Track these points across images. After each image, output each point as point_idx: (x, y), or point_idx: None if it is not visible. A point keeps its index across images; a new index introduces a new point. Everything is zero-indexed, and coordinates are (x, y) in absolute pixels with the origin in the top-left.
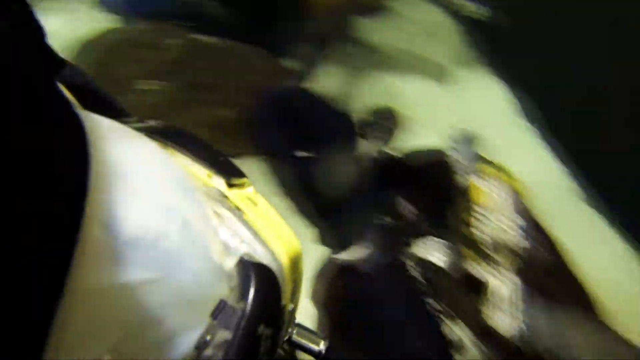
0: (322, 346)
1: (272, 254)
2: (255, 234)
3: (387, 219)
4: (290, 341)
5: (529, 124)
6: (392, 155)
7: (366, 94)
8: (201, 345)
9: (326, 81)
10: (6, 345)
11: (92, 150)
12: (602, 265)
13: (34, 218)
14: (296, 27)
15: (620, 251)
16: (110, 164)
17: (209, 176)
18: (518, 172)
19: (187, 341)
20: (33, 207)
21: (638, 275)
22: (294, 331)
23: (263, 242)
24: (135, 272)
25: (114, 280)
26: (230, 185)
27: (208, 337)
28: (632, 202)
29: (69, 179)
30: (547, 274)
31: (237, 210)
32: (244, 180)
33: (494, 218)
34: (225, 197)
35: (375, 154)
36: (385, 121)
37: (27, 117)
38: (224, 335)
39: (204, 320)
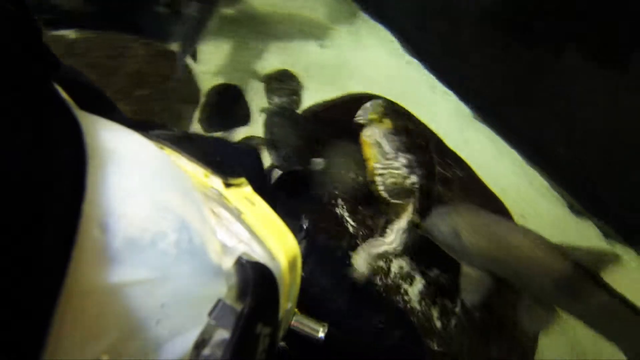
0: (321, 333)
1: (270, 253)
2: (253, 233)
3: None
4: (289, 329)
5: (413, 59)
6: (302, 115)
7: (257, 61)
8: (199, 345)
9: (213, 57)
10: (4, 345)
11: (89, 150)
12: (502, 173)
13: (32, 219)
14: (167, 5)
15: (517, 161)
16: (107, 164)
17: (206, 176)
18: (415, 106)
19: (186, 340)
20: (30, 208)
21: (532, 179)
22: (293, 319)
23: (261, 242)
24: (132, 272)
25: (112, 280)
26: (228, 185)
27: (206, 337)
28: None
29: (65, 179)
30: (450, 187)
31: (234, 210)
32: (242, 179)
33: (384, 167)
34: (223, 196)
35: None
36: (287, 84)
37: (24, 118)
38: (222, 334)
39: (202, 320)
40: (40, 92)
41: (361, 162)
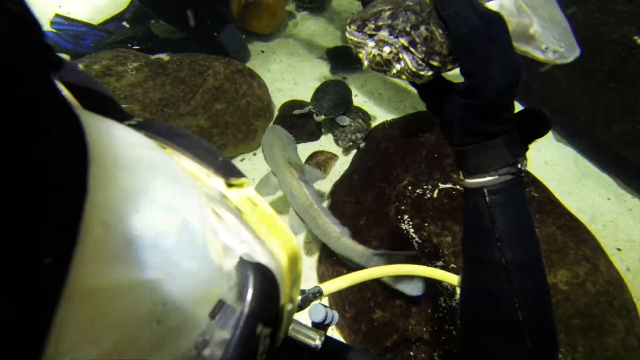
0: (317, 342)
1: (271, 254)
2: (255, 234)
3: None
4: (286, 337)
5: None
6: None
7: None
8: (200, 345)
9: (286, 75)
10: (7, 346)
11: (91, 149)
12: (589, 198)
13: (34, 219)
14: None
15: (608, 185)
16: (110, 163)
17: (207, 176)
18: None
19: (186, 341)
20: (32, 208)
21: (630, 206)
22: (290, 327)
23: (262, 243)
24: (134, 272)
25: (114, 280)
26: (230, 185)
27: (207, 337)
28: None
29: (68, 178)
30: None
31: (236, 211)
32: (243, 180)
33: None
34: (225, 197)
35: None
36: (356, 120)
37: (23, 116)
38: (223, 334)
39: (203, 320)
40: (40, 90)
41: None
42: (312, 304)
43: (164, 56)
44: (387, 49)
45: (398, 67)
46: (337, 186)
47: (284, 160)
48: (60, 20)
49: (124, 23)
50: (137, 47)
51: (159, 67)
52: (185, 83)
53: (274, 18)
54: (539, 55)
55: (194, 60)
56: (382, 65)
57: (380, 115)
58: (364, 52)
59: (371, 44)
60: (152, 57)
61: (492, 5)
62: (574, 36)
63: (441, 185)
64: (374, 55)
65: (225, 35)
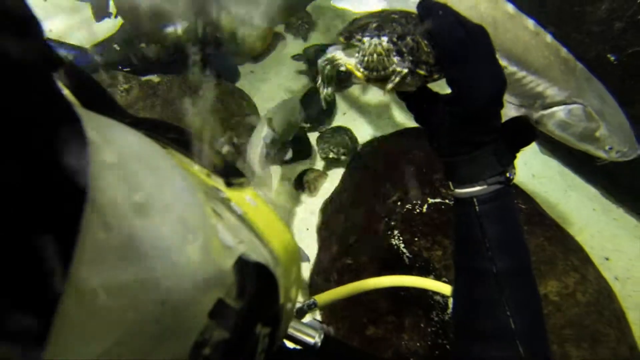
0: (317, 339)
1: (271, 253)
2: (254, 233)
3: None
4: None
5: None
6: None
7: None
8: (199, 345)
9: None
10: (6, 345)
11: (91, 149)
12: (575, 209)
13: (33, 219)
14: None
15: (593, 196)
16: (109, 163)
17: (208, 175)
18: None
19: (185, 340)
20: (32, 207)
21: (615, 216)
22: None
23: (261, 242)
24: (133, 272)
25: (113, 280)
26: (229, 185)
27: (206, 336)
28: None
29: (67, 178)
30: None
31: (236, 210)
32: (243, 179)
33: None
34: (224, 196)
35: None
36: (340, 138)
37: (24, 115)
38: (222, 334)
39: (202, 319)
40: (40, 88)
41: None
42: (307, 316)
43: (155, 77)
44: (385, 38)
45: (394, 64)
46: (328, 204)
47: (269, 118)
48: (51, 45)
49: (115, 46)
50: (128, 69)
51: (150, 89)
52: (176, 104)
53: (263, 39)
54: (602, 154)
55: (184, 81)
56: (384, 58)
57: (369, 132)
58: (359, 55)
59: (366, 38)
60: (143, 78)
61: (561, 113)
62: (635, 137)
63: (430, 200)
64: (375, 46)
65: (215, 56)
